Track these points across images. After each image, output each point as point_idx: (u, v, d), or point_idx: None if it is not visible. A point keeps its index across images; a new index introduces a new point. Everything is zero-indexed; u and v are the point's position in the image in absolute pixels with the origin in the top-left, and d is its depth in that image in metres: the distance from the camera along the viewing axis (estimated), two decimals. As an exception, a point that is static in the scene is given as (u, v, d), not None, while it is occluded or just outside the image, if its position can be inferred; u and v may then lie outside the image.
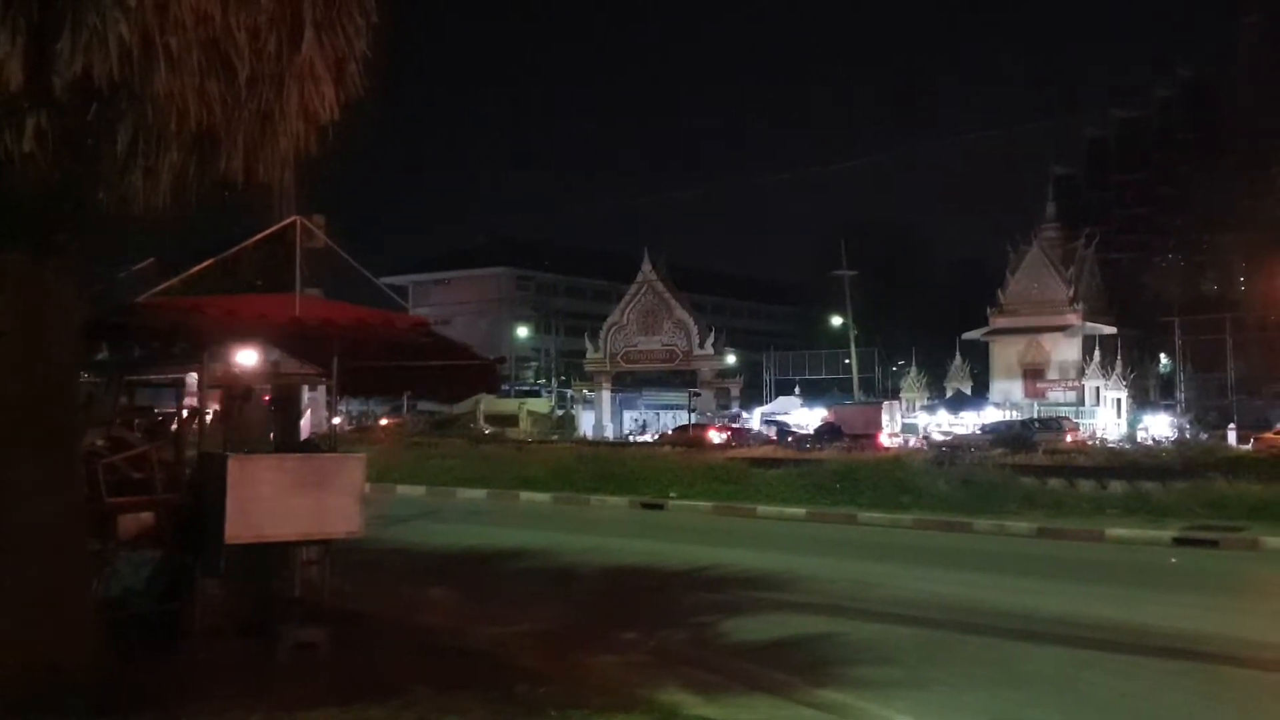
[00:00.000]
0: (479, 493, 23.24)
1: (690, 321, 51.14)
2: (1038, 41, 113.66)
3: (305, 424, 9.82)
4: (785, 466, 23.41)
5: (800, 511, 19.37)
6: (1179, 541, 15.60)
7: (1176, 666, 8.29)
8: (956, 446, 27.27)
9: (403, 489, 23.44)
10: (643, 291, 53.43)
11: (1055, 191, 52.15)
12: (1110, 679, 8.02)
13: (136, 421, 9.11)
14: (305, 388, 10.32)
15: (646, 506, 20.91)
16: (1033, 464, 22.90)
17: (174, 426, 9.19)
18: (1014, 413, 43.99)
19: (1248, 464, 20.90)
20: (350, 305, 8.84)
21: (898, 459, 23.84)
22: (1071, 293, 47.22)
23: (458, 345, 9.80)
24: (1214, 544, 15.44)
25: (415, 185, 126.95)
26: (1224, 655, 8.60)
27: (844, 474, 21.12)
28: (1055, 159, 55.90)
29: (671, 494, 21.50)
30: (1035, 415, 42.48)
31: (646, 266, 54.05)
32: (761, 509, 19.78)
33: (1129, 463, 22.60)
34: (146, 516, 7.84)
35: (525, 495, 22.69)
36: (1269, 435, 34.39)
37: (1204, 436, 32.82)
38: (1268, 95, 47.56)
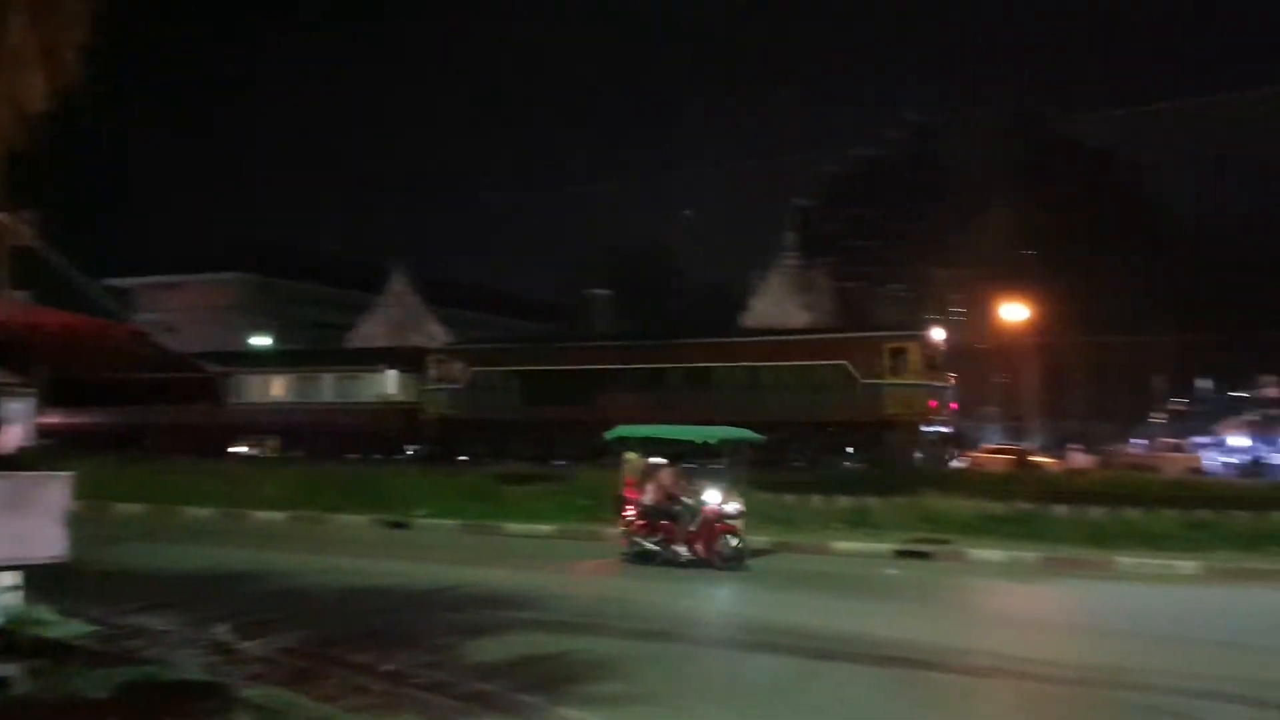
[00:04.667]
0: (206, 511, 21.90)
1: (441, 336, 50.49)
2: (800, 77, 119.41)
3: (12, 438, 8.98)
4: (538, 483, 23.33)
5: (551, 528, 19.40)
6: (898, 554, 16.66)
7: (897, 674, 8.82)
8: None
9: (122, 507, 21.78)
10: (393, 304, 52.38)
11: (796, 222, 55.20)
12: (835, 687, 8.46)
13: None
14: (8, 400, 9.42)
15: (391, 525, 20.36)
16: (769, 480, 23.77)
17: None
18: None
19: (959, 481, 22.57)
20: (60, 311, 8.15)
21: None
22: (808, 318, 49.83)
23: (178, 357, 9.22)
24: (927, 556, 16.58)
25: (163, 183, 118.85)
26: (935, 662, 9.21)
27: (593, 491, 21.22)
28: (796, 191, 59.47)
29: (418, 512, 21.01)
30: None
31: (397, 278, 52.93)
32: (512, 526, 19.67)
33: (855, 479, 23.93)
34: None
35: (260, 514, 21.57)
36: (978, 453, 37.31)
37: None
38: (975, 142, 51.97)
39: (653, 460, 15.84)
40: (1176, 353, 48.21)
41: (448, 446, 33.81)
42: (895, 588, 14.19)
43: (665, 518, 15.12)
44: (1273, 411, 49.59)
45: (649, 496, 15.36)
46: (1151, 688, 8.35)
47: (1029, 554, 16.11)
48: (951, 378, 31.19)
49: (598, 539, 18.41)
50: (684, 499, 15.16)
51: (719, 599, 13.04)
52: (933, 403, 29.66)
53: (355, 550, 16.82)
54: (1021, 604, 13.70)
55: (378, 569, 14.38)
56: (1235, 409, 62.41)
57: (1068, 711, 7.89)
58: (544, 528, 19.46)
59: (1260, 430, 48.90)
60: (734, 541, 14.80)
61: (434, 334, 50.54)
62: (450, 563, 15.15)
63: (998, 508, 19.14)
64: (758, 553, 15.50)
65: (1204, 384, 65.58)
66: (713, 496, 15.02)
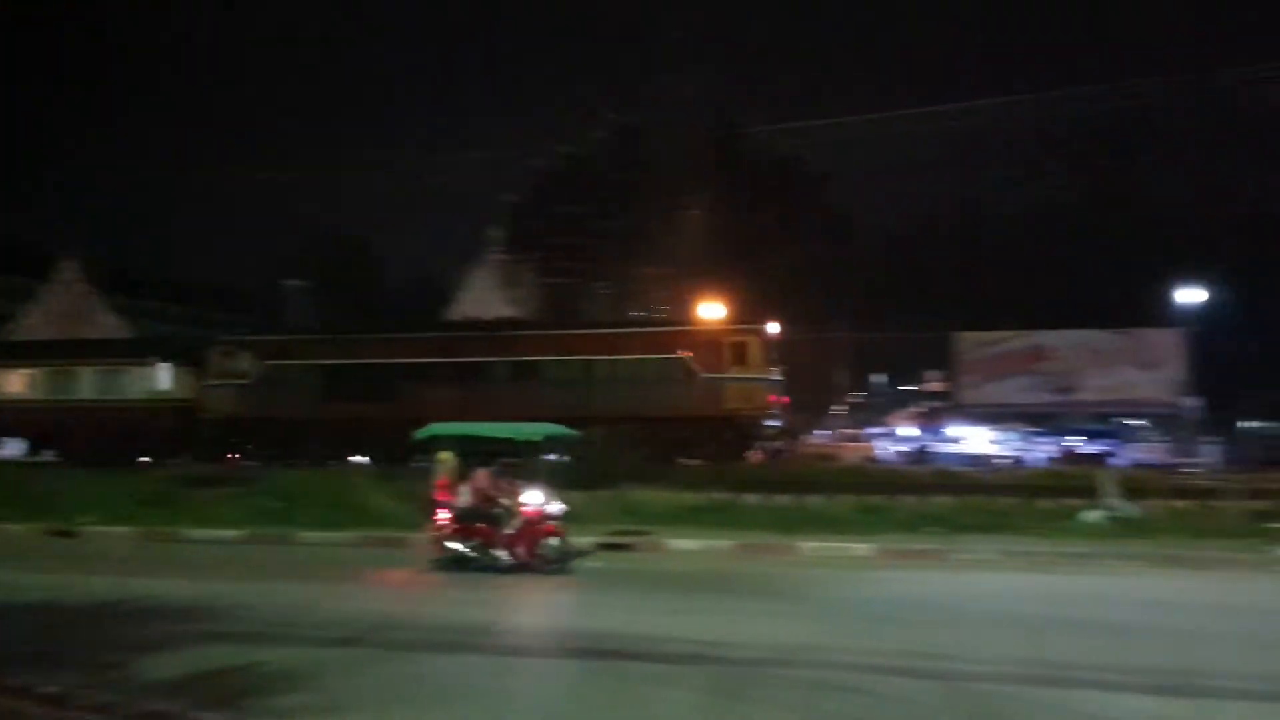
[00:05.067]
0: None
1: (116, 328, 46.82)
2: (510, 71, 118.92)
3: None
4: (226, 485, 21.98)
5: (237, 534, 18.31)
6: (602, 546, 16.92)
7: (598, 666, 8.92)
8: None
9: None
10: (61, 292, 48.06)
11: (503, 217, 55.29)
12: (528, 683, 8.45)
13: None
14: None
15: (55, 534, 18.54)
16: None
17: None
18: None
19: (659, 474, 23.18)
20: None
21: (346, 475, 23.43)
22: (515, 313, 49.98)
23: None
24: (629, 547, 16.95)
25: None
26: (631, 651, 9.33)
27: (287, 493, 20.28)
28: (504, 186, 59.50)
29: (85, 519, 19.24)
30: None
31: (67, 264, 48.60)
32: (195, 533, 18.40)
33: (557, 474, 24.09)
34: None
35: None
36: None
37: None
38: (673, 144, 53.81)
39: (469, 460, 15.07)
40: (856, 349, 52.15)
41: (233, 448, 31.39)
42: (603, 578, 14.34)
43: (483, 520, 14.45)
44: (937, 404, 54.57)
45: (464, 498, 14.67)
46: (829, 664, 8.86)
47: (723, 542, 16.79)
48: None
49: (292, 543, 17.61)
50: (503, 500, 14.54)
51: (410, 600, 12.72)
52: (771, 397, 29.68)
53: (14, 562, 15.20)
54: (716, 589, 14.21)
55: (39, 582, 13.04)
56: (904, 401, 68.42)
57: (748, 691, 8.19)
58: (231, 533, 18.35)
59: (926, 421, 53.82)
60: (558, 544, 14.33)
61: (108, 325, 46.80)
62: (127, 574, 13.95)
63: (696, 498, 19.90)
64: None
65: (879, 378, 71.43)
66: (534, 497, 14.44)
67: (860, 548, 16.57)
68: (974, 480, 23.11)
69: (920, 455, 38.60)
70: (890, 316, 38.61)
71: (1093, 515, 18.12)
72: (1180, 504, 18.87)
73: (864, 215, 50.02)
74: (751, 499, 20.12)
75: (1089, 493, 18.85)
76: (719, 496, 20.01)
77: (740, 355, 28.83)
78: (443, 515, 14.68)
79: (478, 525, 14.38)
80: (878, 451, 40.69)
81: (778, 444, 31.12)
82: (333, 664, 8.84)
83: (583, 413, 27.63)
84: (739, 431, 29.05)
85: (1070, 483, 20.64)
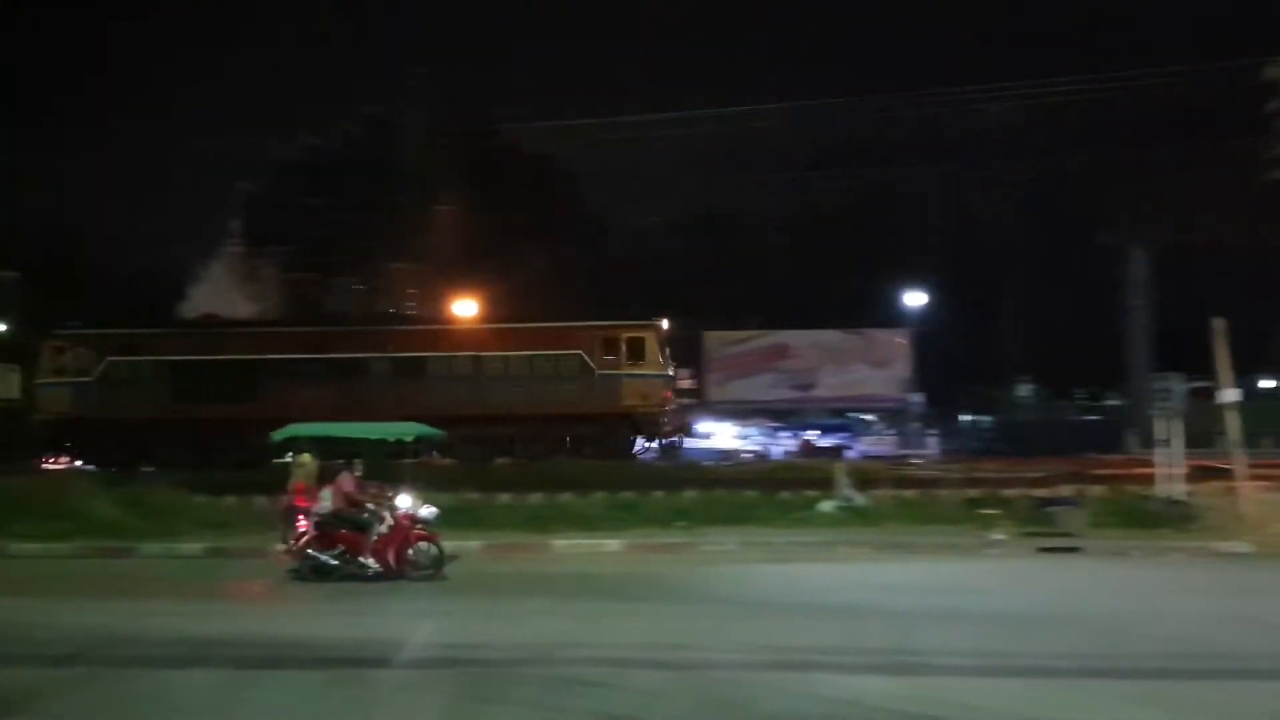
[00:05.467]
0: None
1: None
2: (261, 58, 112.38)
3: None
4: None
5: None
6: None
7: (333, 675, 8.58)
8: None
9: None
10: None
11: (244, 209, 52.46)
12: (272, 695, 8.04)
13: None
14: None
15: None
16: (212, 481, 22.31)
17: None
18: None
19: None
20: None
21: (57, 481, 21.62)
22: (253, 309, 47.66)
23: None
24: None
25: None
26: (375, 659, 9.06)
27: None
28: (243, 176, 56.49)
29: None
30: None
31: None
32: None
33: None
34: None
35: None
36: None
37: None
38: (423, 137, 52.84)
39: (333, 462, 14.30)
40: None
41: (69, 452, 28.37)
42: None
43: (348, 527, 13.57)
44: (686, 401, 55.97)
45: (328, 504, 13.73)
46: (579, 661, 8.88)
47: (473, 542, 16.57)
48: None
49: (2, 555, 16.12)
50: (370, 505, 13.69)
51: (143, 612, 11.84)
52: (668, 393, 29.10)
53: None
54: (469, 591, 14.00)
55: None
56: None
57: (497, 692, 8.10)
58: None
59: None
60: (431, 549, 13.65)
61: None
62: None
63: (446, 499, 19.53)
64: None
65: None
66: (404, 501, 13.73)
67: (612, 543, 16.78)
68: (720, 474, 23.84)
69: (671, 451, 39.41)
70: (640, 317, 39.50)
71: (827, 506, 19.07)
72: (906, 493, 20.12)
73: (619, 216, 50.69)
74: (504, 498, 19.99)
75: (826, 484, 19.81)
76: (470, 496, 19.74)
77: (637, 351, 28.45)
78: (302, 522, 13.90)
79: (342, 532, 13.59)
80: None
81: (673, 439, 30.49)
82: (61, 684, 8.22)
83: (473, 411, 27.46)
84: (637, 428, 28.68)
85: (809, 475, 21.60)
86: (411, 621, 10.96)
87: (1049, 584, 13.46)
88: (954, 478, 19.96)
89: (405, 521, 13.64)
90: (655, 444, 28.97)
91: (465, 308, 36.11)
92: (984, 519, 18.26)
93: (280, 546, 14.67)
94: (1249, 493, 18.12)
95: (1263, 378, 25.69)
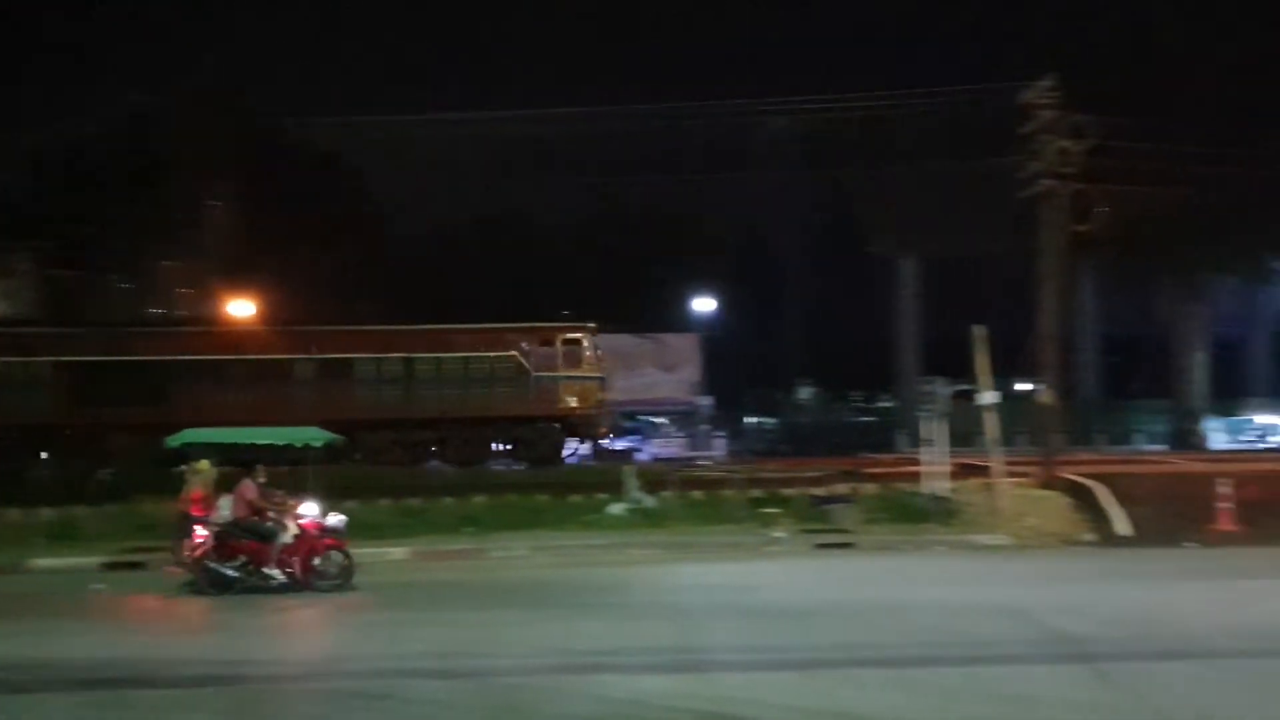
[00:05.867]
0: None
1: None
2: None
3: None
4: None
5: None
6: (107, 566, 15.38)
7: (94, 697, 8.03)
8: None
9: None
10: None
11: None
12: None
13: None
14: None
15: None
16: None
17: None
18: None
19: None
20: None
21: None
22: (7, 308, 44.17)
23: None
24: (141, 566, 15.53)
25: None
26: (143, 678, 8.55)
27: None
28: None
29: None
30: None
31: None
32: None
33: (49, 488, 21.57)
34: None
35: None
36: None
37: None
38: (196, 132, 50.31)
39: (231, 469, 13.81)
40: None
41: None
42: (102, 602, 13.07)
43: (251, 536, 12.93)
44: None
45: (226, 513, 13.13)
46: (363, 673, 8.63)
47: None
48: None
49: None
50: (272, 513, 13.07)
51: None
52: (602, 395, 28.46)
53: None
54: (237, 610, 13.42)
55: None
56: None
57: (282, 710, 7.78)
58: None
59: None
60: (339, 558, 13.06)
61: None
62: None
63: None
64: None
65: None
66: (310, 509, 13.17)
67: (397, 551, 16.43)
68: (510, 479, 23.70)
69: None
70: (427, 321, 38.80)
71: (617, 508, 19.27)
72: (694, 494, 20.55)
73: (406, 217, 49.58)
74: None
75: (616, 487, 20.00)
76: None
77: (574, 353, 27.94)
78: (200, 532, 13.18)
79: (244, 542, 12.93)
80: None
81: (605, 442, 29.75)
82: None
83: (404, 414, 26.77)
84: (573, 430, 28.12)
85: (600, 478, 21.76)
86: (249, 638, 10.41)
87: (824, 579, 14.03)
88: (738, 478, 20.53)
89: (312, 530, 13.11)
90: (586, 446, 28.85)
91: (241, 308, 34.53)
92: (766, 518, 18.88)
93: (172, 560, 14.14)
94: (1005, 488, 19.46)
95: (1019, 381, 27.69)
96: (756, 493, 20.25)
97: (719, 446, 37.59)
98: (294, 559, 12.97)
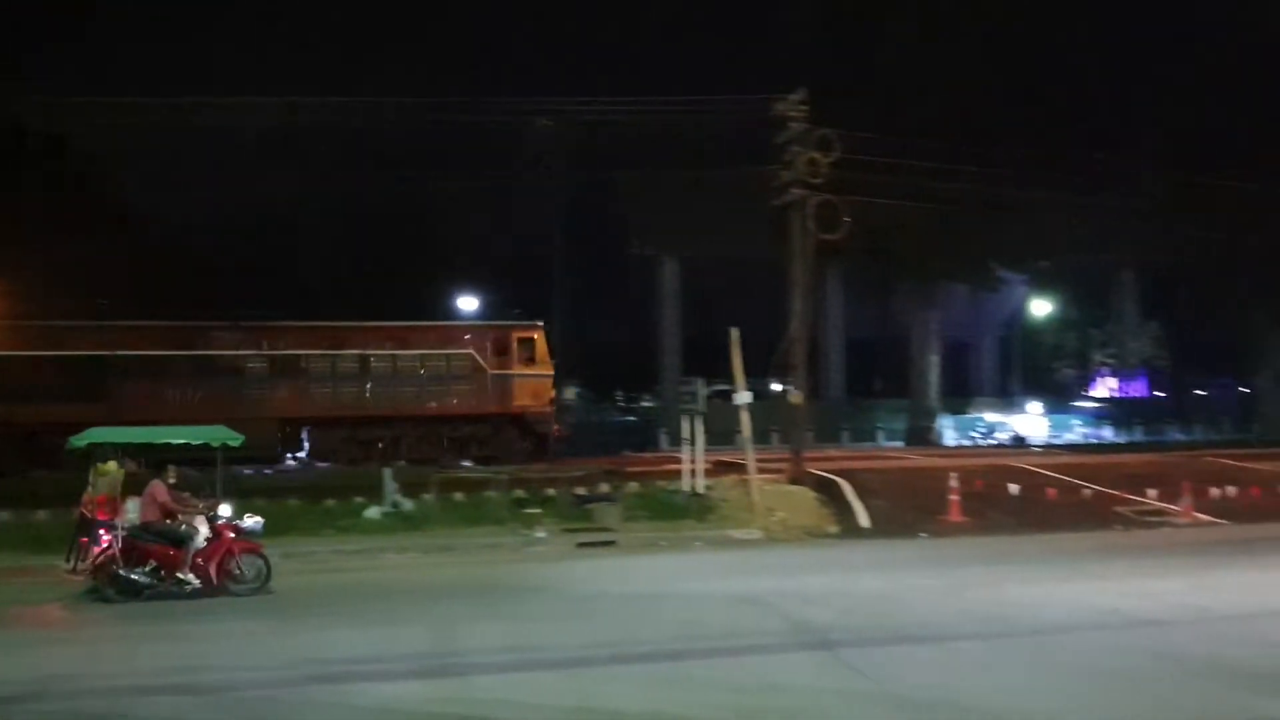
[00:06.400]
0: None
1: None
2: None
3: None
4: None
5: None
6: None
7: None
8: None
9: None
10: None
11: None
12: None
13: None
14: None
15: None
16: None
17: None
18: None
19: None
20: None
21: None
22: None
23: None
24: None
25: None
26: None
27: None
28: None
29: None
30: None
31: None
32: None
33: None
34: None
35: None
36: None
37: None
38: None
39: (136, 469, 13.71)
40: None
41: None
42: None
43: (163, 540, 12.55)
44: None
45: (134, 515, 12.75)
46: (86, 693, 8.08)
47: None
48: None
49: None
50: (184, 516, 12.71)
51: None
52: (553, 393, 29.16)
53: None
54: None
55: None
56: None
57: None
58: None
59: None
60: (256, 561, 12.73)
61: None
62: None
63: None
64: None
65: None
66: (225, 511, 12.91)
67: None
68: (259, 484, 22.63)
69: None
70: (184, 315, 36.57)
71: (374, 512, 18.76)
72: (455, 496, 20.26)
73: (158, 207, 46.49)
74: (4, 515, 17.66)
75: (373, 490, 19.48)
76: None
77: (528, 351, 28.44)
78: (106, 537, 12.67)
79: (155, 546, 12.52)
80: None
81: (557, 438, 29.95)
82: None
83: (358, 412, 27.08)
84: (528, 429, 28.49)
85: (357, 481, 21.14)
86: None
87: (585, 576, 14.14)
88: (501, 479, 20.40)
89: (227, 532, 12.77)
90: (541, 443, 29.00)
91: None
92: (528, 518, 18.87)
93: (65, 565, 13.72)
94: (758, 484, 20.25)
95: (773, 381, 28.95)
96: (519, 493, 20.21)
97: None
98: (209, 563, 12.60)
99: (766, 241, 28.76)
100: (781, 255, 23.25)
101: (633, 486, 21.22)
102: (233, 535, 12.87)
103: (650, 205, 39.88)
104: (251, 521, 13.24)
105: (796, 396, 22.58)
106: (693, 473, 20.25)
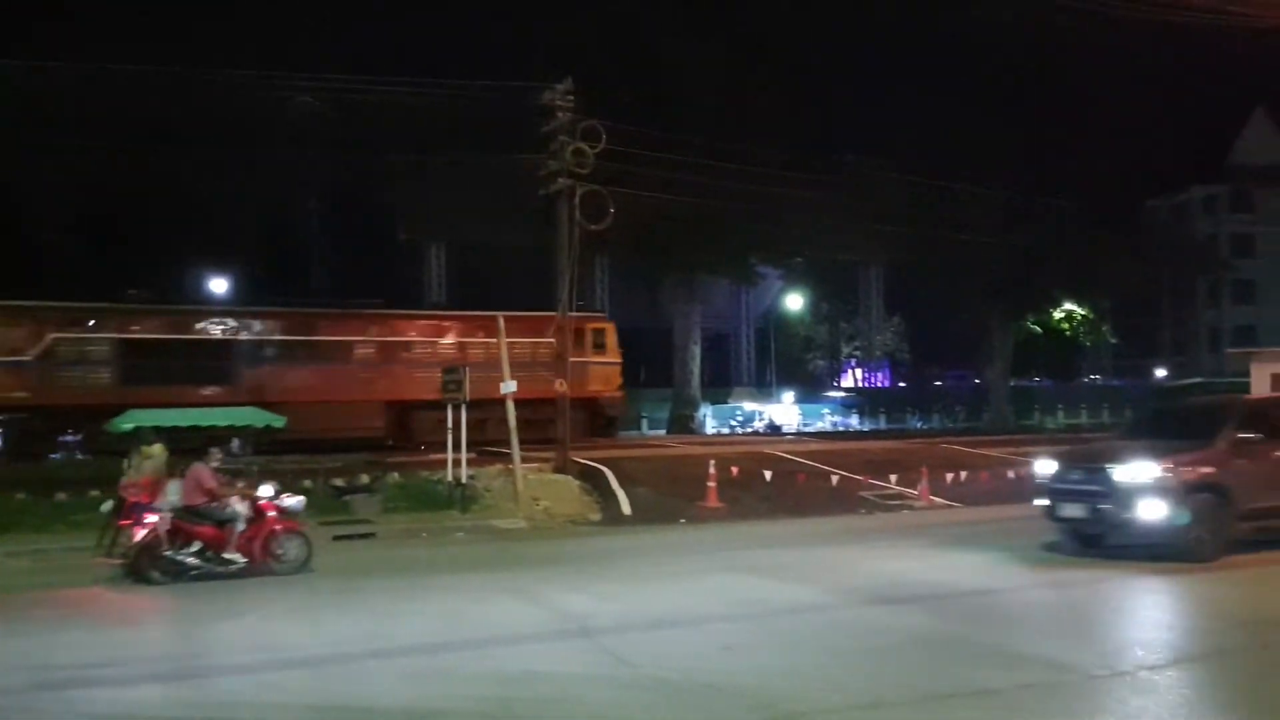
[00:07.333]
0: None
1: None
2: None
3: None
4: None
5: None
6: None
7: None
8: None
9: None
10: None
11: None
12: None
13: None
14: None
15: None
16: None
17: None
18: None
19: None
20: None
21: None
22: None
23: None
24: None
25: None
26: None
27: None
28: None
29: None
30: None
31: None
32: None
33: None
34: None
35: None
36: None
37: None
38: None
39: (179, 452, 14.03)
40: None
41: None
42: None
43: (209, 521, 12.78)
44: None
45: (175, 498, 12.93)
46: None
47: None
48: None
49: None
50: (231, 497, 12.94)
51: None
52: (619, 380, 31.45)
53: None
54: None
55: None
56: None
57: None
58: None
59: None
60: (297, 540, 13.12)
61: None
62: None
63: None
64: None
65: None
66: (267, 490, 13.31)
67: None
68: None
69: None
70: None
71: (109, 506, 17.55)
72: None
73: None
74: None
75: (112, 484, 18.18)
76: None
77: (600, 341, 30.77)
78: (150, 519, 12.67)
79: (201, 527, 12.75)
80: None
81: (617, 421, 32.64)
82: None
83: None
84: (599, 411, 30.80)
85: (93, 474, 19.64)
86: None
87: (340, 570, 13.70)
88: (255, 470, 19.51)
89: (269, 511, 13.07)
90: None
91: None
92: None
93: (97, 550, 13.82)
94: (523, 473, 20.28)
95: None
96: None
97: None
98: (253, 543, 12.89)
99: (535, 229, 28.84)
100: (550, 243, 23.35)
101: (394, 477, 20.81)
102: (275, 514, 13.17)
103: (418, 191, 39.12)
104: (293, 501, 13.61)
105: (562, 385, 22.75)
106: (456, 463, 20.04)
